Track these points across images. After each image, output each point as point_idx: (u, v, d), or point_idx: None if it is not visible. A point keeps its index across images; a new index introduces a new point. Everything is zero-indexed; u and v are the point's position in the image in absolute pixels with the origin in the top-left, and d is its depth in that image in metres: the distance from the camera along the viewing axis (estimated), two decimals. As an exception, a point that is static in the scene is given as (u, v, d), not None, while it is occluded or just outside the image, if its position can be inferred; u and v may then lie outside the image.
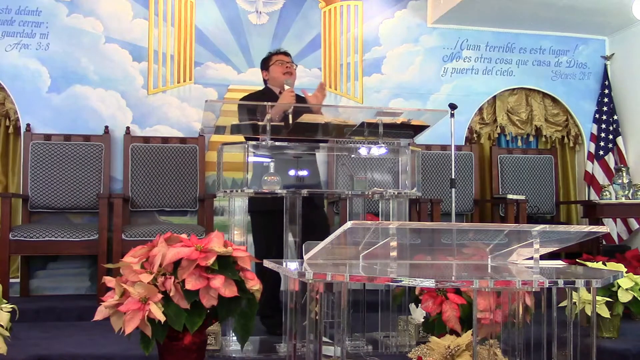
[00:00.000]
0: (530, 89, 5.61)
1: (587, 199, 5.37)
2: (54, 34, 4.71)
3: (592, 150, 5.57)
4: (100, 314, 2.34)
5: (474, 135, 5.50)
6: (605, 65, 5.67)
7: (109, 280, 2.42)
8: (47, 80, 4.68)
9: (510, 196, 4.99)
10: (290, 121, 3.22)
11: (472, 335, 2.20)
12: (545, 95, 5.63)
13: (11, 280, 4.14)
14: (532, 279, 1.81)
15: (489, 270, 2.15)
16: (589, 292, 2.57)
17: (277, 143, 3.17)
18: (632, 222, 5.36)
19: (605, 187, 5.01)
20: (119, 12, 4.84)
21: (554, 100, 5.65)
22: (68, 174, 4.51)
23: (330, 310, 2.80)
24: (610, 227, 5.33)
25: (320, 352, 1.94)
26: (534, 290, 2.00)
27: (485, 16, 5.22)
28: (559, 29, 5.53)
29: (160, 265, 2.35)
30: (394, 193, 3.25)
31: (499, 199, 5.20)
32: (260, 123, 3.17)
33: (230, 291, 2.35)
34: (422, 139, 3.88)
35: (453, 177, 4.43)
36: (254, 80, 5.00)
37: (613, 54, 5.66)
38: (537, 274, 1.98)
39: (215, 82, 4.97)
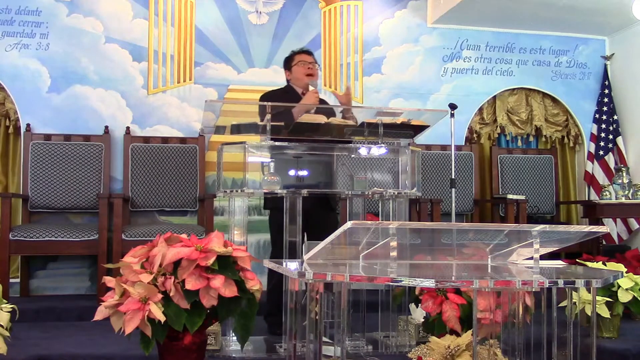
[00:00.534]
0: (530, 89, 5.61)
1: (587, 199, 5.37)
2: (54, 34, 4.71)
3: (592, 150, 5.57)
4: (100, 314, 2.34)
5: (474, 135, 5.50)
6: (605, 65, 5.67)
7: (109, 280, 2.42)
8: (47, 80, 4.68)
9: (510, 196, 4.99)
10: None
11: (472, 335, 2.20)
12: (545, 95, 5.64)
13: (11, 280, 4.14)
14: (532, 279, 1.81)
15: (489, 270, 2.15)
16: (589, 292, 2.57)
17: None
18: (632, 222, 5.36)
19: (605, 187, 5.01)
20: (119, 12, 4.84)
21: (554, 100, 5.65)
22: (68, 174, 4.51)
23: (330, 310, 2.80)
24: (610, 227, 5.33)
25: (320, 352, 1.94)
26: (534, 290, 2.01)
27: (485, 16, 5.22)
28: (559, 29, 5.53)
29: (160, 265, 2.35)
30: (394, 193, 3.25)
31: (499, 199, 5.20)
32: (260, 123, 3.17)
33: (230, 291, 2.35)
34: (422, 139, 3.88)
35: (453, 177, 4.43)
36: (254, 80, 5.01)
37: (613, 54, 5.66)
38: (537, 274, 1.98)
39: (215, 82, 4.97)
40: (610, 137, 5.52)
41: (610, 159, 5.50)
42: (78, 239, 4.00)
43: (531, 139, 5.70)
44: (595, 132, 5.58)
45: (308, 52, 3.84)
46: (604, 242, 4.95)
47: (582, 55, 5.68)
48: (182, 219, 4.75)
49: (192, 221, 4.74)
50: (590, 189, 5.53)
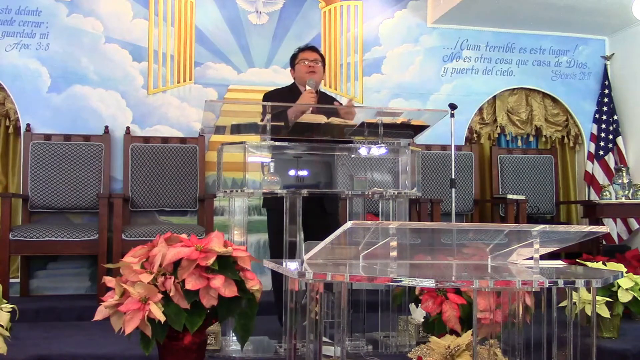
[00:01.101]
0: (530, 89, 5.61)
1: (587, 199, 5.37)
2: (54, 34, 4.71)
3: (592, 150, 5.57)
4: (100, 314, 2.34)
5: (474, 135, 5.50)
6: (605, 65, 5.67)
7: (109, 280, 2.42)
8: (47, 80, 4.68)
9: (510, 196, 4.99)
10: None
11: (472, 335, 2.20)
12: (545, 95, 5.64)
13: (11, 280, 4.14)
14: (532, 279, 1.81)
15: (489, 270, 2.15)
16: (589, 292, 2.57)
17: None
18: (632, 222, 5.36)
19: (605, 187, 5.01)
20: (119, 12, 4.84)
21: (554, 100, 5.65)
22: (68, 174, 4.51)
23: (330, 310, 2.80)
24: (610, 227, 5.33)
25: (320, 352, 1.94)
26: (534, 290, 2.01)
27: (485, 16, 5.22)
28: (559, 29, 5.53)
29: (160, 265, 2.35)
30: (394, 193, 3.25)
31: (499, 199, 5.20)
32: (260, 123, 3.17)
33: (230, 291, 2.35)
34: (422, 139, 3.88)
35: (453, 177, 4.43)
36: (254, 80, 5.02)
37: (613, 54, 5.66)
38: (537, 274, 1.98)
39: (215, 82, 4.97)
40: (610, 137, 5.52)
41: (610, 159, 5.50)
42: (78, 239, 4.00)
43: (531, 139, 5.70)
44: (595, 132, 5.58)
45: (313, 49, 3.77)
46: (604, 242, 4.94)
47: (582, 55, 5.68)
48: (182, 219, 4.75)
49: (192, 221, 4.74)
50: (590, 189, 5.53)
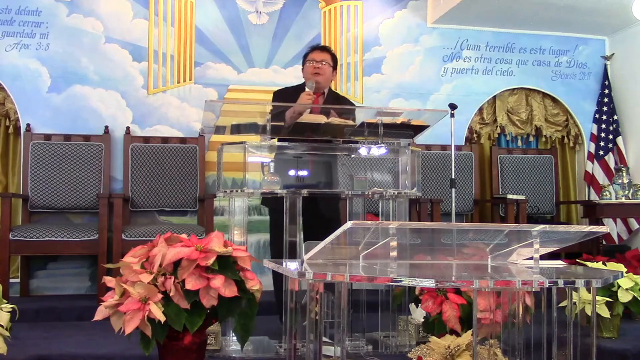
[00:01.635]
0: (530, 89, 5.61)
1: (587, 199, 5.37)
2: (54, 34, 4.71)
3: (592, 150, 5.57)
4: (100, 314, 2.34)
5: (474, 135, 5.50)
6: (605, 65, 5.67)
7: (109, 280, 2.42)
8: (47, 80, 4.68)
9: (510, 196, 4.99)
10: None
11: (472, 335, 2.20)
12: (545, 95, 5.64)
13: (11, 280, 4.14)
14: (532, 279, 1.81)
15: (489, 270, 2.15)
16: (589, 292, 2.57)
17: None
18: (632, 222, 5.36)
19: (605, 187, 5.01)
20: (119, 12, 4.84)
21: (554, 100, 5.65)
22: (68, 174, 4.51)
23: (330, 310, 2.79)
24: (610, 227, 5.33)
25: (320, 352, 1.94)
26: (534, 290, 2.00)
27: (485, 16, 5.22)
28: (559, 29, 5.53)
29: (160, 265, 2.35)
30: (394, 193, 3.25)
31: (499, 199, 5.20)
32: (260, 123, 3.17)
33: (230, 291, 2.35)
34: (422, 139, 3.88)
35: (453, 177, 4.43)
36: (254, 80, 5.02)
37: (613, 54, 5.66)
38: (537, 274, 1.98)
39: (215, 82, 4.97)
40: (610, 137, 5.52)
41: (610, 159, 5.50)
42: (78, 239, 3.99)
43: (531, 139, 5.70)
44: (595, 132, 5.58)
45: (322, 49, 3.73)
46: (604, 242, 4.94)
47: (582, 55, 5.68)
48: (182, 219, 4.75)
49: (192, 221, 4.74)
50: (590, 189, 5.53)
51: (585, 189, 5.59)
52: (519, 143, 5.64)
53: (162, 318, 2.25)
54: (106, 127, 4.70)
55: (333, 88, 5.20)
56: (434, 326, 2.87)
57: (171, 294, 2.30)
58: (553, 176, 5.46)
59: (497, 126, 5.54)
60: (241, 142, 3.16)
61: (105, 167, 4.60)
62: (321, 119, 3.26)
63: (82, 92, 4.73)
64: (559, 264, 2.55)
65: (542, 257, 2.15)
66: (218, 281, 2.33)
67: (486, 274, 2.03)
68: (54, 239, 3.96)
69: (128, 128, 4.74)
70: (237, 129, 3.33)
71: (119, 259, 2.77)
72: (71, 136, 4.61)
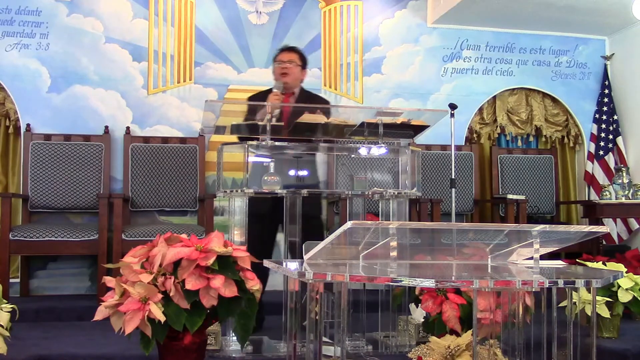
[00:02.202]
0: (530, 89, 5.61)
1: (587, 199, 5.37)
2: (54, 34, 4.71)
3: (592, 150, 5.57)
4: (100, 314, 2.34)
5: (474, 135, 5.50)
6: (605, 65, 5.67)
7: (109, 280, 2.42)
8: (47, 80, 4.68)
9: (510, 196, 4.99)
10: (274, 123, 3.21)
11: (472, 335, 2.20)
12: (545, 95, 5.64)
13: (11, 280, 4.14)
14: (532, 279, 1.81)
15: (489, 270, 2.15)
16: (589, 292, 2.57)
17: (277, 143, 3.17)
18: (632, 222, 5.36)
19: (605, 187, 5.01)
20: (119, 12, 4.84)
21: (554, 100, 5.65)
22: (68, 174, 4.51)
23: (330, 310, 2.80)
24: (610, 227, 5.33)
25: (320, 352, 1.94)
26: (534, 290, 2.00)
27: (485, 16, 5.22)
28: (559, 29, 5.53)
29: (160, 265, 2.35)
30: (394, 193, 3.25)
31: (499, 199, 5.20)
32: (260, 123, 3.17)
33: (230, 291, 2.35)
34: (422, 139, 3.88)
35: (453, 177, 4.43)
36: (254, 80, 5.01)
37: (613, 54, 5.66)
38: (537, 274, 1.98)
39: (215, 82, 4.97)
40: (610, 137, 5.52)
41: (610, 159, 5.50)
42: (78, 239, 4.00)
43: (531, 139, 5.70)
44: (595, 132, 5.58)
45: (290, 50, 3.78)
46: (604, 242, 4.95)
47: (582, 55, 5.68)
48: (182, 219, 4.75)
49: (192, 221, 4.74)
50: (590, 189, 5.53)
51: (585, 189, 5.59)
52: (519, 143, 5.64)
53: (162, 318, 2.25)
54: (106, 127, 4.70)
55: (333, 88, 5.23)
56: (434, 326, 2.87)
57: (171, 294, 2.30)
58: (553, 176, 5.46)
59: (497, 126, 5.54)
60: (241, 142, 3.16)
61: (105, 167, 4.60)
62: (321, 119, 3.26)
63: (82, 92, 4.74)
64: (559, 264, 2.55)
65: (542, 257, 2.15)
66: (218, 281, 2.32)
67: (486, 274, 2.03)
68: (54, 239, 3.96)
69: (128, 128, 4.74)
70: (237, 129, 3.33)
71: (119, 259, 2.77)
72: (71, 136, 4.61)
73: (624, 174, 4.92)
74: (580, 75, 5.67)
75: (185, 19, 4.97)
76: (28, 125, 4.56)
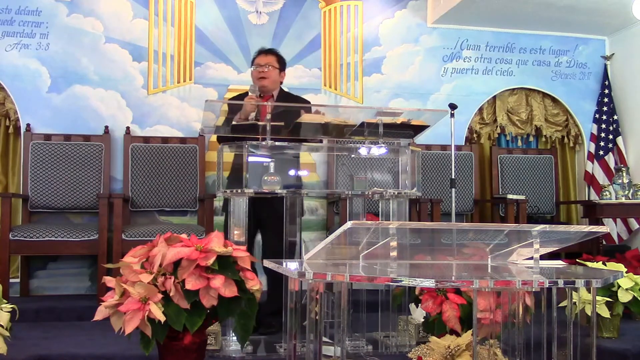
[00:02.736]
0: (530, 89, 5.61)
1: (587, 199, 5.37)
2: (54, 34, 4.71)
3: (592, 150, 5.57)
4: (100, 314, 2.34)
5: (474, 135, 5.50)
6: (605, 65, 5.67)
7: (109, 280, 2.42)
8: (47, 80, 4.68)
9: (510, 196, 4.99)
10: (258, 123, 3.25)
11: (472, 335, 2.20)
12: (545, 95, 5.64)
13: (11, 280, 4.14)
14: (532, 279, 1.81)
15: (489, 270, 2.15)
16: (589, 292, 2.57)
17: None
18: (632, 222, 5.36)
19: (605, 187, 5.01)
20: (119, 12, 4.84)
21: (554, 100, 5.65)
22: (68, 174, 4.51)
23: (330, 310, 2.80)
24: (610, 227, 5.33)
25: (320, 352, 1.94)
26: (534, 290, 2.00)
27: (485, 16, 5.22)
28: (559, 29, 5.53)
29: (160, 265, 2.35)
30: (394, 193, 3.25)
31: (499, 199, 5.20)
32: (260, 123, 3.17)
33: (230, 291, 2.35)
34: (422, 139, 3.88)
35: (453, 177, 4.43)
36: (254, 80, 5.01)
37: (613, 54, 5.66)
38: (537, 274, 1.98)
39: (215, 82, 4.97)
40: (610, 137, 5.52)
41: (610, 159, 5.49)
42: (78, 239, 3.99)
43: (531, 139, 5.70)
44: (595, 132, 5.58)
45: (267, 52, 3.79)
46: (604, 242, 4.94)
47: (582, 55, 5.68)
48: (182, 219, 4.75)
49: (192, 221, 4.74)
50: (590, 189, 5.53)
51: (585, 189, 5.59)
52: (519, 143, 5.64)
53: (162, 318, 2.26)
54: (106, 127, 4.70)
55: (333, 88, 5.22)
56: (434, 326, 2.87)
57: (171, 294, 2.30)
58: (553, 176, 5.46)
59: (497, 126, 5.54)
60: (241, 142, 3.16)
61: (105, 167, 4.60)
62: (320, 119, 3.26)
63: (82, 92, 4.73)
64: (559, 264, 2.55)
65: (542, 257, 2.15)
66: (218, 281, 2.33)
67: (486, 274, 2.03)
68: (54, 239, 3.96)
69: (128, 128, 4.74)
70: (237, 129, 3.33)
71: (119, 259, 2.77)
72: (71, 136, 4.61)
73: (624, 174, 4.92)
74: (580, 75, 5.67)
75: (185, 19, 4.97)
76: (28, 125, 4.56)
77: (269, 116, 3.16)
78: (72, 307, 3.95)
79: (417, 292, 3.07)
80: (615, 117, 5.55)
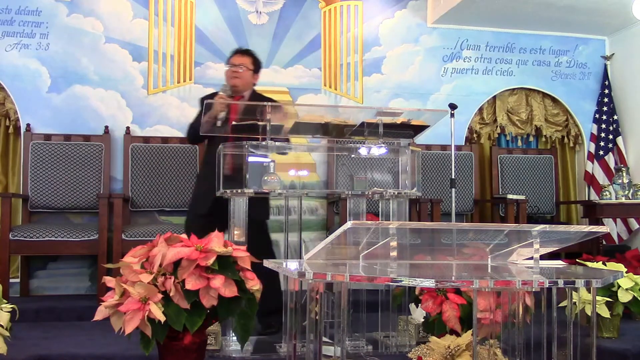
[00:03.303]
0: (530, 89, 5.61)
1: (587, 199, 5.37)
2: (54, 34, 4.71)
3: (592, 150, 5.57)
4: (100, 314, 2.34)
5: (474, 135, 5.50)
6: (605, 65, 5.67)
7: (109, 280, 2.42)
8: (47, 80, 4.68)
9: (510, 196, 4.99)
10: (219, 124, 3.34)
11: (472, 335, 2.20)
12: (545, 95, 5.64)
13: (11, 280, 4.14)
14: (532, 279, 1.81)
15: (489, 270, 2.15)
16: (589, 292, 2.57)
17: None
18: (632, 222, 5.36)
19: (605, 187, 5.01)
20: (119, 12, 4.85)
21: (554, 100, 5.65)
22: (68, 174, 4.51)
23: (330, 310, 2.79)
24: (610, 227, 5.33)
25: (320, 352, 1.94)
26: (534, 290, 2.00)
27: (485, 16, 5.22)
28: (559, 29, 5.53)
29: (160, 265, 2.35)
30: (394, 193, 3.25)
31: (499, 199, 5.20)
32: (260, 123, 3.17)
33: (230, 291, 2.35)
34: (422, 139, 3.88)
35: (453, 177, 4.43)
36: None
37: (613, 54, 5.66)
38: (537, 274, 1.98)
39: (215, 82, 4.95)
40: (610, 137, 5.52)
41: (610, 159, 5.50)
42: (78, 239, 4.00)
43: (531, 139, 5.70)
44: (595, 132, 5.58)
45: (242, 53, 3.77)
46: (604, 242, 4.94)
47: (582, 55, 5.68)
48: (182, 219, 4.72)
49: (192, 221, 4.73)
50: (590, 189, 5.53)
51: (585, 189, 5.59)
52: (519, 143, 5.64)
53: (162, 318, 2.25)
54: (106, 127, 4.70)
55: (333, 88, 5.22)
56: (434, 326, 2.87)
57: (171, 294, 2.30)
58: (553, 176, 5.46)
59: (497, 126, 5.54)
60: (241, 142, 3.16)
61: (105, 167, 4.60)
62: (320, 119, 3.26)
63: (82, 92, 4.74)
64: (559, 264, 2.55)
65: (542, 257, 2.15)
66: (218, 281, 2.32)
67: (486, 274, 2.03)
68: (54, 239, 3.97)
69: (128, 128, 4.74)
70: (237, 129, 3.33)
71: (119, 259, 2.77)
72: (71, 136, 4.61)
73: (624, 174, 4.92)
74: (580, 75, 5.67)
75: (185, 19, 4.97)
76: (28, 125, 4.56)
77: (223, 115, 3.20)
78: (72, 307, 3.95)
79: (417, 292, 3.07)
80: (615, 117, 5.55)
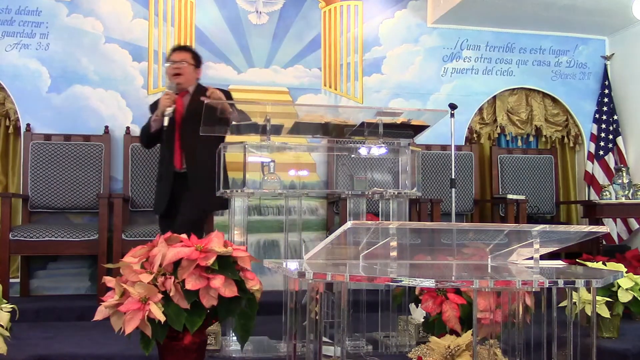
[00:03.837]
0: (530, 89, 5.61)
1: (587, 199, 5.37)
2: (54, 34, 4.71)
3: (592, 150, 5.57)
4: (100, 314, 2.34)
5: (474, 135, 5.50)
6: (605, 65, 5.67)
7: (109, 280, 2.42)
8: (47, 80, 4.68)
9: (510, 196, 4.99)
10: (166, 124, 3.43)
11: (472, 335, 2.20)
12: (545, 95, 5.64)
13: (11, 280, 4.14)
14: (532, 279, 1.81)
15: (489, 270, 2.15)
16: (589, 292, 2.57)
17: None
18: (632, 222, 5.36)
19: (605, 187, 5.01)
20: (119, 12, 4.84)
21: (554, 100, 5.65)
22: (68, 174, 4.51)
23: (330, 310, 2.79)
24: (610, 227, 5.33)
25: (320, 352, 1.94)
26: (534, 290, 2.00)
27: (485, 16, 5.22)
28: (559, 29, 5.53)
29: (160, 265, 2.35)
30: (394, 193, 3.25)
31: (499, 199, 5.20)
32: (260, 123, 3.17)
33: (230, 291, 2.35)
34: (422, 139, 3.89)
35: (453, 177, 4.43)
36: (254, 80, 5.02)
37: (613, 54, 5.66)
38: (537, 274, 1.98)
39: (215, 82, 4.95)
40: (610, 137, 5.52)
41: (610, 159, 5.49)
42: (78, 239, 3.99)
43: (531, 139, 5.70)
44: (595, 132, 5.58)
45: (181, 49, 3.79)
46: (604, 242, 4.95)
47: (582, 55, 5.68)
48: (182, 219, 4.74)
49: (192, 221, 4.73)
50: (590, 189, 5.53)
51: (585, 189, 5.59)
52: (519, 143, 5.64)
53: (162, 318, 2.25)
54: (106, 127, 4.70)
55: (333, 88, 5.22)
56: (434, 326, 2.87)
57: (171, 294, 2.30)
58: (553, 176, 5.46)
59: (497, 126, 5.54)
60: (241, 142, 3.16)
61: (105, 167, 4.60)
62: (320, 119, 3.26)
63: (82, 92, 4.73)
64: (559, 264, 2.55)
65: (542, 257, 2.15)
66: (218, 281, 2.32)
67: (486, 274, 2.03)
68: (54, 239, 3.97)
69: (128, 128, 4.74)
70: (237, 129, 3.33)
71: (119, 259, 2.77)
72: (71, 136, 4.61)
73: (624, 174, 4.92)
74: (580, 75, 5.67)
75: (185, 19, 4.97)
76: (28, 125, 4.56)
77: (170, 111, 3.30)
78: (72, 307, 3.95)
79: (417, 292, 3.07)
80: (615, 117, 5.55)
